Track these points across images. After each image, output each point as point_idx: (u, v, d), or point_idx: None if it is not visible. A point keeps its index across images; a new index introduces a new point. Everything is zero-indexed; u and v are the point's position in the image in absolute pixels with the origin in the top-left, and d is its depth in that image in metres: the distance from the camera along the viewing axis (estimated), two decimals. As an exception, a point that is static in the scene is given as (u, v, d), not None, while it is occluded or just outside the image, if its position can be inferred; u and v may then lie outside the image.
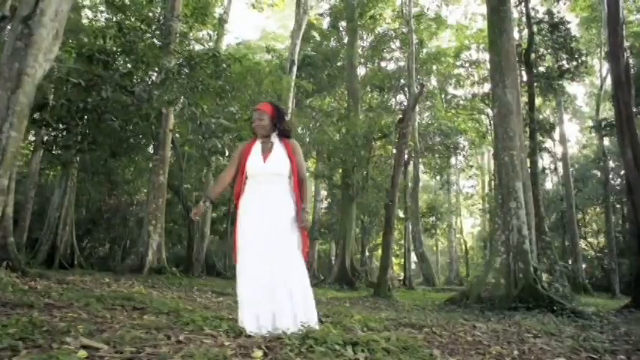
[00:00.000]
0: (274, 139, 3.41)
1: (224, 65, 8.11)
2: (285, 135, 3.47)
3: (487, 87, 20.99)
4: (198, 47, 19.78)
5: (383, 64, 24.86)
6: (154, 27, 9.82)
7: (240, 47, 34.74)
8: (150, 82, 7.54)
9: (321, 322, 4.15)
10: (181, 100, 7.19)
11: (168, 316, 3.72)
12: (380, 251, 30.32)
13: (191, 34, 17.23)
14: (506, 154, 8.02)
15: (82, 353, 2.06)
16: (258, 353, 2.54)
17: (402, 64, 23.60)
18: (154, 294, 6.22)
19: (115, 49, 8.92)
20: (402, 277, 18.09)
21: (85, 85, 6.78)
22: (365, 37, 24.27)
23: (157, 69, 8.59)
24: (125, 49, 8.83)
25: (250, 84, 15.69)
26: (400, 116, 11.06)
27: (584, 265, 26.47)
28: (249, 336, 2.98)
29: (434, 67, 23.66)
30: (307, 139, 24.40)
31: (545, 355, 3.35)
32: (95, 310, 3.60)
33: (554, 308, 6.48)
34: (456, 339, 3.71)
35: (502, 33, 8.75)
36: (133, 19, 10.13)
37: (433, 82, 26.71)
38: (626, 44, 20.86)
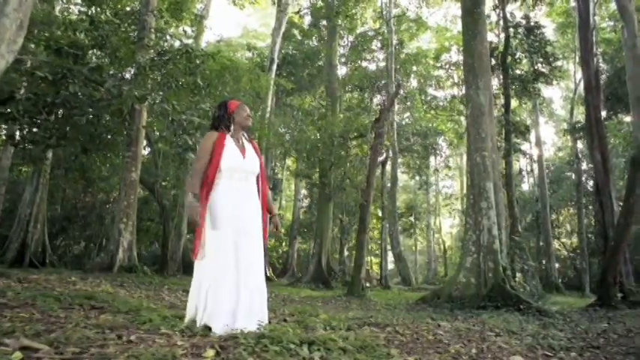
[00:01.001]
0: (243, 137, 3.41)
1: (197, 61, 8.01)
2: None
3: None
4: (177, 43, 19.59)
5: (363, 64, 24.98)
6: (128, 21, 9.65)
7: (220, 44, 34.46)
8: (121, 77, 7.38)
9: (285, 321, 4.14)
10: (152, 96, 7.06)
11: (126, 315, 3.64)
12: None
13: (170, 30, 17.01)
14: (478, 154, 8.12)
15: (17, 355, 1.99)
16: (210, 353, 2.50)
17: (382, 64, 23.75)
18: (120, 293, 6.10)
19: (87, 42, 8.73)
20: (379, 277, 18.18)
21: (52, 79, 6.60)
22: (346, 37, 24.35)
23: (130, 64, 8.43)
24: (97, 42, 8.65)
25: (228, 81, 15.56)
26: (377, 116, 11.11)
27: (557, 265, 27.09)
28: (207, 335, 2.94)
29: (413, 68, 23.84)
30: (287, 137, 24.40)
31: (503, 353, 3.39)
32: (50, 310, 3.50)
33: (521, 307, 6.60)
34: (418, 338, 3.73)
35: (476, 35, 8.86)
36: (108, 13, 9.94)
37: (413, 83, 26.96)
38: (599, 50, 21.41)
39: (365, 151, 13.33)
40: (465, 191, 34.15)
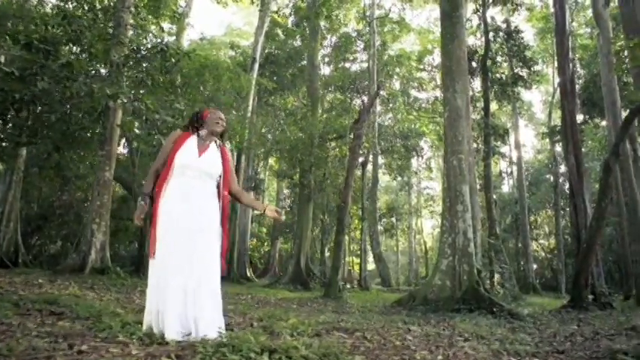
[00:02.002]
0: (212, 141, 3.32)
1: (173, 60, 7.86)
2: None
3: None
4: (156, 41, 19.29)
5: (347, 64, 24.99)
6: (104, 17, 9.44)
7: (203, 43, 34.11)
8: (93, 75, 7.20)
9: (251, 326, 4.07)
10: (125, 94, 6.88)
11: (86, 321, 3.53)
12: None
13: (150, 27, 16.72)
14: (454, 157, 8.16)
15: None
16: (166, 363, 2.43)
17: (365, 65, 23.79)
18: (88, 296, 5.95)
19: (60, 37, 8.50)
20: (359, 278, 18.20)
21: (19, 75, 6.38)
22: (329, 37, 24.32)
23: (104, 61, 8.23)
24: (71, 38, 8.43)
25: (208, 80, 15.38)
26: (356, 117, 11.09)
27: (535, 266, 27.56)
28: (166, 342, 2.85)
29: (396, 70, 23.94)
30: (269, 136, 24.27)
31: (469, 359, 3.39)
32: (4, 316, 3.36)
33: (494, 310, 6.65)
34: (385, 344, 3.70)
35: (454, 39, 8.90)
36: (85, 8, 9.69)
37: (396, 84, 27.08)
38: (576, 56, 21.79)
39: (344, 152, 13.30)
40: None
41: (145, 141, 8.50)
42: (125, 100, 7.09)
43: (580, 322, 7.54)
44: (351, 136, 10.90)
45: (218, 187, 3.27)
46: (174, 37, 24.97)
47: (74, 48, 9.15)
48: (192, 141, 3.27)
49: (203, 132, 3.34)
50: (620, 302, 14.85)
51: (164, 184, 3.16)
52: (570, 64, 11.99)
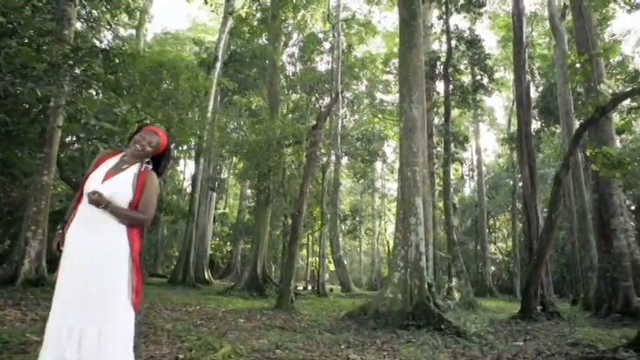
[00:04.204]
0: (137, 164, 2.96)
1: (117, 60, 7.37)
2: (157, 172, 2.99)
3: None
4: (109, 36, 18.46)
5: (313, 65, 24.74)
6: (45, 9, 8.81)
7: (167, 37, 33.07)
8: (24, 74, 6.64)
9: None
10: (58, 96, 6.39)
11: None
12: (304, 252, 30.18)
13: (106, 21, 15.94)
14: (409, 169, 8.07)
15: None
16: None
17: (334, 65, 23.61)
18: (9, 315, 5.49)
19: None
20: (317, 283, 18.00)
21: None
22: (297, 36, 24.00)
23: (40, 60, 7.65)
24: (7, 32, 7.81)
25: (166, 78, 14.81)
26: (314, 123, 10.88)
27: (493, 268, 28.25)
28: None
29: (361, 73, 23.90)
30: (235, 135, 23.71)
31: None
32: None
33: (442, 327, 6.58)
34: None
35: (412, 47, 8.81)
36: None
37: (361, 87, 27.07)
38: (535, 65, 22.35)
39: (300, 158, 13.08)
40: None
41: (85, 146, 7.96)
42: (59, 103, 6.58)
43: (527, 336, 7.62)
44: (308, 142, 10.67)
45: None
46: (132, 31, 24.15)
47: (12, 43, 8.48)
48: (110, 163, 2.93)
49: (127, 152, 3.00)
50: (568, 308, 15.36)
51: (73, 212, 2.85)
52: (527, 76, 12.17)
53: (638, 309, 10.05)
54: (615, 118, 14.31)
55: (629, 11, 9.56)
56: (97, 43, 16.18)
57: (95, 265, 2.66)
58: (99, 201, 2.65)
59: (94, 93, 8.35)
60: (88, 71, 7.53)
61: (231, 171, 31.64)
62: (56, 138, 8.76)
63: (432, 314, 6.98)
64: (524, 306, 9.74)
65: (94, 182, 2.79)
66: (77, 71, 7.78)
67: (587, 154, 11.31)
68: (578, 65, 10.33)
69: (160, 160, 3.02)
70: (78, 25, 14.81)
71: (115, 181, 2.80)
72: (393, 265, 8.17)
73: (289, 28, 23.33)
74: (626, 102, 11.25)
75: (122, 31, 24.13)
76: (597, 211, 11.98)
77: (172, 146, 3.28)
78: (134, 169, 2.90)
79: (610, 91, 9.34)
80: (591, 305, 12.82)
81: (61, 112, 7.34)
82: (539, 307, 9.69)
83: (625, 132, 18.50)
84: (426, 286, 7.46)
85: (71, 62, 6.89)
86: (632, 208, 20.05)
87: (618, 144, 20.67)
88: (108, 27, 12.53)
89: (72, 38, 8.83)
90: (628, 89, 10.45)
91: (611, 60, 17.89)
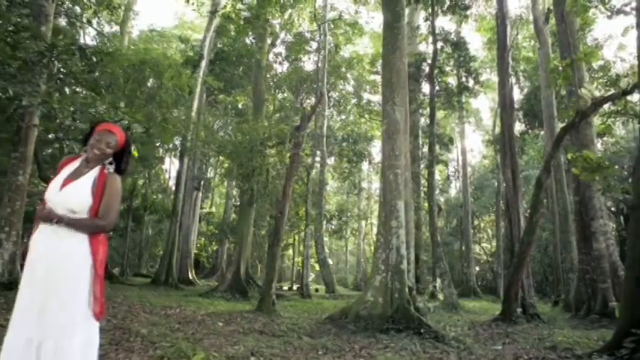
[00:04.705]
0: (97, 167, 2.83)
1: (94, 59, 7.20)
2: (118, 171, 2.88)
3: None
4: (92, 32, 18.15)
5: (301, 64, 24.63)
6: (20, 5, 8.59)
7: (153, 34, 32.64)
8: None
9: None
10: (31, 95, 6.21)
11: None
12: (290, 252, 29.97)
13: (95, 18, 15.63)
14: (391, 172, 8.05)
15: None
16: None
17: (319, 65, 23.53)
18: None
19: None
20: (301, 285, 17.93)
21: None
22: (284, 35, 23.86)
23: (13, 57, 7.45)
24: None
25: (149, 76, 14.60)
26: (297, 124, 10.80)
27: (477, 269, 28.46)
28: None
29: (348, 74, 23.87)
30: (222, 134, 23.49)
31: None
32: None
33: (422, 331, 6.57)
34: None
35: (395, 50, 8.79)
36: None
37: (348, 87, 27.04)
38: (521, 67, 22.54)
39: (284, 159, 13.00)
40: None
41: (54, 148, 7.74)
42: (32, 102, 6.39)
43: (507, 339, 7.66)
44: (291, 143, 10.60)
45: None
46: (116, 28, 23.78)
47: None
48: (70, 168, 2.82)
49: (86, 156, 2.87)
50: (549, 308, 15.55)
51: (38, 220, 2.74)
52: (510, 79, 12.26)
53: (615, 311, 10.17)
54: (597, 121, 14.50)
55: (610, 17, 9.68)
56: (82, 40, 15.89)
57: (54, 277, 2.56)
58: (49, 217, 2.56)
59: (73, 92, 8.15)
60: (66, 69, 7.35)
61: (218, 170, 31.42)
62: (32, 137, 8.55)
63: (412, 318, 6.97)
64: (505, 308, 9.81)
65: (53, 190, 2.69)
66: (54, 69, 7.61)
67: (569, 157, 11.44)
68: (560, 69, 10.44)
69: (120, 158, 2.88)
70: (63, 23, 14.55)
71: (73, 187, 2.68)
72: (374, 267, 8.15)
73: (277, 28, 23.22)
74: (607, 106, 11.40)
75: (107, 28, 23.77)
76: (578, 213, 12.14)
77: (132, 144, 3.13)
78: (94, 173, 2.77)
79: (590, 95, 9.43)
80: (572, 306, 13.01)
81: (37, 111, 7.15)
82: (519, 310, 9.75)
83: (606, 135, 18.76)
84: (407, 289, 7.45)
85: (45, 60, 6.71)
86: (613, 209, 20.35)
87: (600, 146, 21.02)
88: (88, 24, 12.26)
89: (49, 35, 8.62)
90: (609, 93, 10.58)
91: (593, 64, 18.12)
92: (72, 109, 6.53)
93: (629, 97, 9.70)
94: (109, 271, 19.04)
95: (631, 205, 8.05)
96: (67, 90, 7.40)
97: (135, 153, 10.46)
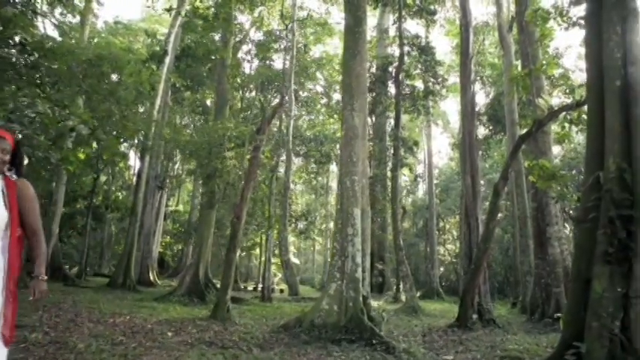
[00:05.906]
0: (6, 177, 2.63)
1: (36, 54, 6.80)
2: (18, 174, 2.72)
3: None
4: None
5: (269, 63, 24.34)
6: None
7: (118, 27, 31.56)
8: None
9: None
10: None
11: None
12: (257, 252, 29.63)
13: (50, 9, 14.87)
14: (348, 178, 7.97)
15: None
16: None
17: (286, 65, 23.30)
18: None
19: None
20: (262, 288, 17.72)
21: None
22: (254, 33, 23.51)
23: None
24: None
25: (107, 72, 14.03)
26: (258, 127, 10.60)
27: (441, 269, 28.89)
28: None
29: (317, 73, 23.75)
30: (189, 131, 22.94)
31: None
32: None
33: (374, 342, 6.52)
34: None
35: (356, 55, 8.70)
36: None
37: (318, 87, 26.95)
38: (486, 72, 22.95)
39: (243, 162, 12.76)
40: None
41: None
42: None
43: (460, 346, 7.71)
44: (252, 145, 10.39)
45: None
46: (75, 19, 22.82)
47: None
48: None
49: None
50: (507, 311, 15.89)
51: None
52: (472, 87, 12.41)
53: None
54: (557, 128, 14.87)
55: (567, 29, 9.90)
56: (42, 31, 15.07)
57: None
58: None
59: (16, 89, 7.68)
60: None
61: (185, 167, 30.76)
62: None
63: (365, 328, 6.91)
64: (461, 314, 9.89)
65: None
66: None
67: (526, 165, 11.66)
68: (520, 78, 10.60)
69: (14, 163, 2.69)
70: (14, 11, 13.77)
71: None
72: (330, 275, 8.06)
73: (247, 25, 22.85)
74: (565, 114, 11.67)
75: (71, 18, 22.83)
76: (535, 219, 12.42)
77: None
78: (3, 182, 2.59)
79: (547, 105, 9.62)
80: (527, 309, 13.32)
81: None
82: (475, 315, 9.86)
83: (565, 142, 19.28)
84: (361, 298, 7.39)
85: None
86: (572, 213, 20.99)
87: (559, 152, 21.65)
88: (42, 16, 11.64)
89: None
90: (565, 103, 10.83)
91: (554, 72, 18.60)
92: (11, 105, 6.10)
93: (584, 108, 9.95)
94: (63, 272, 18.35)
95: (575, 218, 8.24)
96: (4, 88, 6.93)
97: (81, 156, 9.98)
